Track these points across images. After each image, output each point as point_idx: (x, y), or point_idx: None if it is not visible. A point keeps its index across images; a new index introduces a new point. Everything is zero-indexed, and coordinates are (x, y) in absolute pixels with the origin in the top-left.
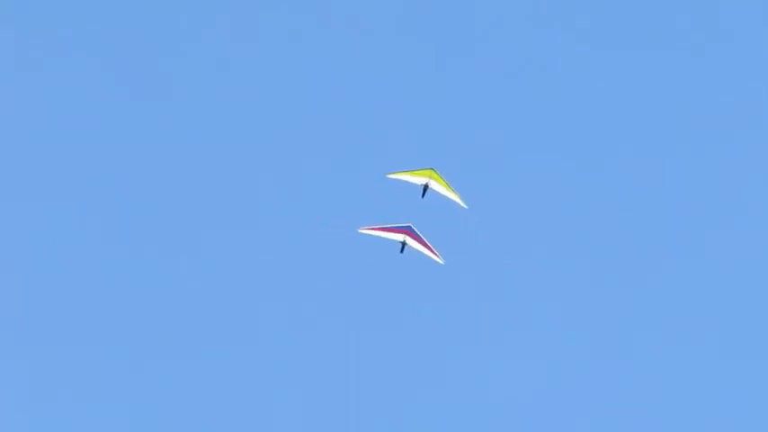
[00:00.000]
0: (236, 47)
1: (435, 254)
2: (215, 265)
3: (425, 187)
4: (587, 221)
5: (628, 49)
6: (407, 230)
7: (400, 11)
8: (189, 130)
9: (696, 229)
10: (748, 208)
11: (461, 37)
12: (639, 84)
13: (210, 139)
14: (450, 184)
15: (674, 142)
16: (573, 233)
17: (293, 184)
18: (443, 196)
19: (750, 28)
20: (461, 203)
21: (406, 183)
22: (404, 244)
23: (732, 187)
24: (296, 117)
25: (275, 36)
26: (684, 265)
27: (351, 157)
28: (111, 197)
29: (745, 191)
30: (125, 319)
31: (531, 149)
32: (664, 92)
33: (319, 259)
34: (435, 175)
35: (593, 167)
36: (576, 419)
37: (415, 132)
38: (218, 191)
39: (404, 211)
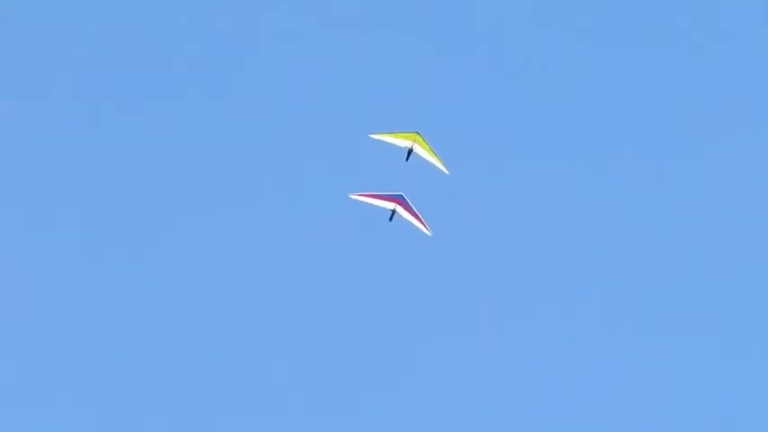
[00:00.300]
0: (236, 47)
1: (424, 225)
2: (206, 245)
3: (409, 151)
4: (587, 221)
5: (628, 49)
6: (399, 199)
7: (400, 11)
8: (188, 129)
9: (696, 229)
10: (748, 208)
11: (461, 37)
12: (639, 84)
13: (210, 137)
14: (434, 149)
15: (674, 142)
16: (572, 233)
17: (289, 180)
18: (427, 161)
19: (750, 28)
20: (444, 169)
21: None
22: (394, 212)
23: (732, 187)
24: (295, 117)
25: (275, 36)
26: (684, 264)
27: (347, 155)
28: (110, 197)
29: (746, 191)
30: (118, 318)
31: (530, 149)
32: (664, 92)
33: (309, 224)
34: (420, 139)
35: (594, 167)
36: (566, 414)
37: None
38: (216, 188)
39: (389, 174)
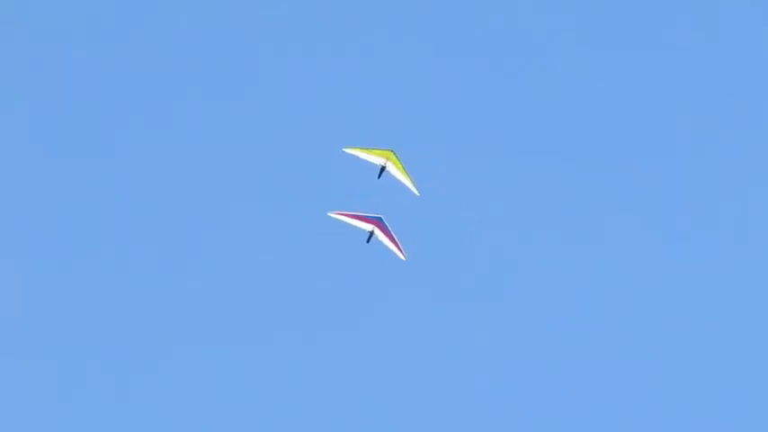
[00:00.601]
0: (235, 48)
1: (400, 250)
2: (186, 256)
3: (382, 168)
4: (587, 221)
5: (628, 49)
6: (378, 222)
7: (400, 11)
8: (186, 129)
9: (696, 229)
10: (749, 208)
11: (461, 37)
12: (640, 84)
13: (206, 139)
14: (407, 169)
15: (674, 142)
16: (572, 233)
17: (283, 181)
18: (398, 180)
19: (750, 28)
20: (414, 190)
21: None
22: (372, 234)
23: (733, 187)
24: (296, 118)
25: (275, 36)
26: (684, 264)
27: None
28: (107, 199)
29: (746, 191)
30: (113, 321)
31: (530, 149)
32: (664, 92)
33: (287, 242)
34: (393, 158)
35: (594, 167)
36: (566, 416)
37: (413, 132)
38: (211, 187)
39: (367, 193)
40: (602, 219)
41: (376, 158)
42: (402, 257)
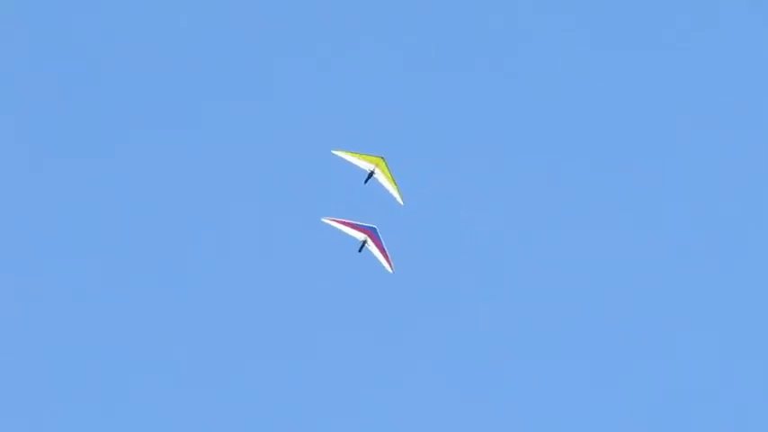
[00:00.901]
0: (234, 48)
1: (389, 262)
2: (181, 258)
3: (371, 174)
4: (587, 221)
5: (628, 49)
6: (370, 232)
7: (401, 11)
8: (184, 130)
9: (696, 229)
10: (749, 208)
11: (462, 37)
12: (640, 84)
13: (204, 136)
14: (397, 176)
15: (675, 142)
16: (572, 233)
17: (279, 182)
18: (385, 188)
19: (750, 28)
20: (399, 200)
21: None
22: (364, 243)
23: (733, 187)
24: (294, 120)
25: (275, 37)
26: (684, 264)
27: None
28: (105, 200)
29: (746, 190)
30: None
31: (531, 149)
32: (664, 92)
33: (277, 247)
34: (383, 165)
35: (594, 167)
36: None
37: (413, 133)
38: (207, 187)
39: (356, 199)
40: (602, 219)
41: (365, 164)
42: (389, 270)
